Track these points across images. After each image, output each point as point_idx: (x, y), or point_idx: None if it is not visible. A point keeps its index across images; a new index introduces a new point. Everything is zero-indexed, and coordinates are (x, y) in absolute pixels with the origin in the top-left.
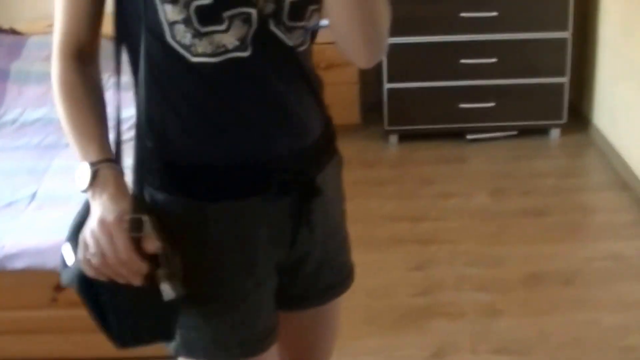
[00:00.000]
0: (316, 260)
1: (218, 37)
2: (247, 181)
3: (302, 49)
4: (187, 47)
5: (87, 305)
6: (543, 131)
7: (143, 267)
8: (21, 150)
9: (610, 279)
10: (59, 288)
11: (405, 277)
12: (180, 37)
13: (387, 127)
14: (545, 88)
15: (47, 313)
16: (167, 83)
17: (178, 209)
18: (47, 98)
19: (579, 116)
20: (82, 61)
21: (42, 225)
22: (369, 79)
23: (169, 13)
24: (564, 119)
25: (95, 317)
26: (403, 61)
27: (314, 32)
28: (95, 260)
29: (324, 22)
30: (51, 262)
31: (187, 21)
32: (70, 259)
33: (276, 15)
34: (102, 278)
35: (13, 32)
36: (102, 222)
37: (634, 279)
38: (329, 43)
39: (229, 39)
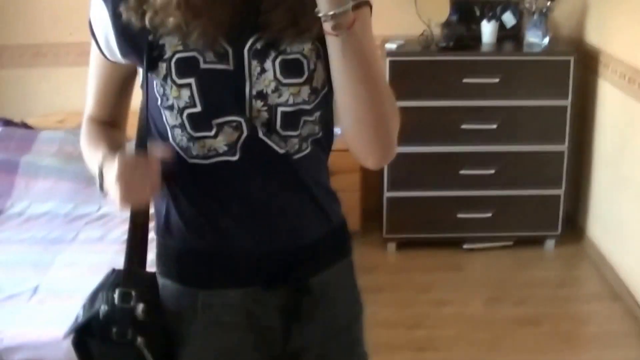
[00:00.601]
0: (318, 352)
1: (209, 142)
2: (233, 272)
3: (298, 156)
4: (184, 150)
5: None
6: (539, 241)
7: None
8: (26, 243)
9: None
10: None
11: None
12: (179, 140)
13: (385, 235)
14: (542, 199)
15: None
16: (172, 181)
17: (174, 293)
18: (55, 192)
19: (574, 227)
20: (108, 125)
21: (43, 319)
22: (370, 186)
23: (168, 118)
24: (559, 230)
25: None
26: (404, 170)
27: (327, 143)
28: (124, 193)
29: (337, 130)
30: (50, 356)
31: (182, 126)
32: (77, 317)
33: (269, 124)
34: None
35: (25, 125)
36: (118, 177)
37: None
38: (332, 150)
39: (218, 144)
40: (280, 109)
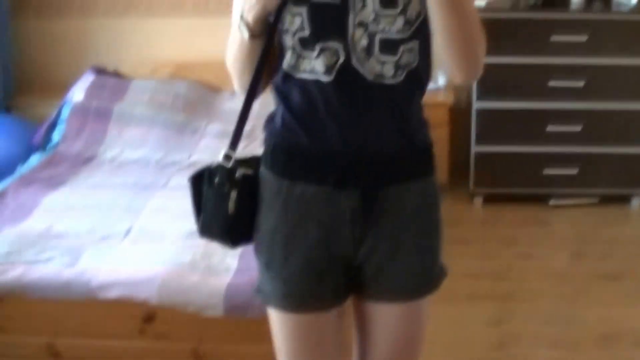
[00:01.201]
0: (384, 260)
1: (312, 62)
2: (313, 169)
3: (391, 82)
4: (293, 67)
5: (192, 200)
6: (625, 199)
7: None
8: (118, 188)
9: None
10: (147, 319)
11: (482, 332)
12: (290, 58)
13: (472, 189)
14: (628, 157)
15: (135, 343)
16: (280, 90)
17: (269, 178)
18: (146, 140)
19: None
20: None
21: (136, 259)
22: (458, 140)
23: (285, 40)
24: None
25: (194, 209)
26: (491, 125)
27: (424, 75)
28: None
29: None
30: (142, 294)
31: (293, 47)
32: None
33: (369, 49)
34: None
35: (117, 74)
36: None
37: None
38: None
39: (319, 65)
40: (378, 36)
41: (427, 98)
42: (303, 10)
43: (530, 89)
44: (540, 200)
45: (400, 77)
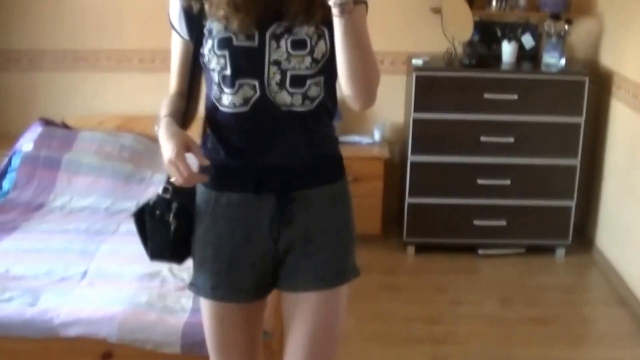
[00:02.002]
0: (299, 253)
1: (231, 97)
2: (236, 180)
3: (302, 109)
4: (217, 100)
5: (138, 232)
6: (550, 250)
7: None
8: (71, 234)
9: None
10: (107, 356)
11: None
12: (214, 92)
13: (405, 239)
14: (554, 210)
15: None
16: (209, 116)
17: (201, 192)
18: (95, 188)
19: (583, 237)
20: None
21: (94, 298)
22: (392, 193)
23: (211, 78)
24: (570, 240)
25: (141, 239)
26: (425, 177)
27: (331, 105)
28: (175, 173)
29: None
30: (102, 332)
31: (217, 84)
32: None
33: (281, 83)
34: (181, 180)
35: (65, 126)
36: (169, 161)
37: None
38: (356, 158)
39: (237, 99)
40: (289, 73)
41: (363, 152)
42: (226, 52)
43: (462, 144)
44: (470, 249)
45: (310, 106)
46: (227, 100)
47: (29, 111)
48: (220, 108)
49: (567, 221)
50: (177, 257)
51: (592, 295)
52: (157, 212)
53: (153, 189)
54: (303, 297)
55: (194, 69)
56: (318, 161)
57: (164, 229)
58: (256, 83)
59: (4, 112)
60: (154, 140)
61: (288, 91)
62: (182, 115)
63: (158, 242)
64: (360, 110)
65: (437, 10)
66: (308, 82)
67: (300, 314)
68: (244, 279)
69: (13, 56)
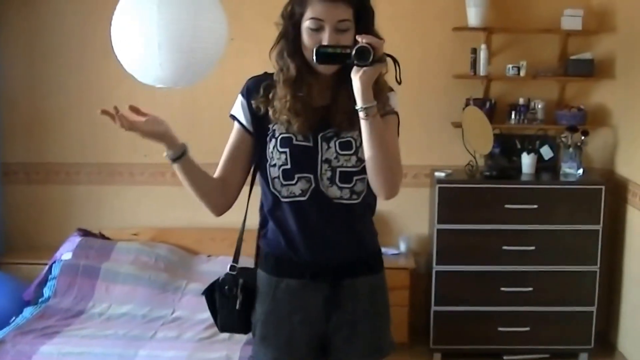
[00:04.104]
0: (347, 332)
1: (291, 188)
2: (295, 269)
3: (349, 202)
4: (278, 192)
5: (209, 307)
6: (573, 355)
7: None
8: (110, 339)
9: None
10: None
11: None
12: (276, 185)
13: (432, 346)
14: (576, 316)
15: None
16: (269, 210)
17: (262, 278)
18: (132, 296)
19: (606, 342)
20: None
21: None
22: (418, 302)
23: (271, 172)
24: (592, 345)
25: (211, 314)
26: (450, 286)
27: (373, 198)
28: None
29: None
30: None
31: (278, 177)
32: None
33: (332, 179)
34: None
35: (102, 236)
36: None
37: None
38: (387, 268)
39: (296, 190)
40: (338, 169)
41: (389, 263)
42: (287, 150)
43: (485, 254)
44: (495, 356)
45: (356, 200)
46: (287, 191)
47: (67, 222)
48: (283, 200)
49: (589, 326)
50: (243, 327)
51: None
52: (226, 287)
53: (188, 298)
54: None
55: (250, 161)
56: (363, 254)
57: (232, 303)
58: (311, 177)
59: (44, 223)
60: (189, 251)
61: (338, 186)
62: (208, 185)
63: (226, 314)
64: (383, 200)
65: (458, 125)
66: (354, 178)
67: None
68: (300, 352)
69: (52, 169)
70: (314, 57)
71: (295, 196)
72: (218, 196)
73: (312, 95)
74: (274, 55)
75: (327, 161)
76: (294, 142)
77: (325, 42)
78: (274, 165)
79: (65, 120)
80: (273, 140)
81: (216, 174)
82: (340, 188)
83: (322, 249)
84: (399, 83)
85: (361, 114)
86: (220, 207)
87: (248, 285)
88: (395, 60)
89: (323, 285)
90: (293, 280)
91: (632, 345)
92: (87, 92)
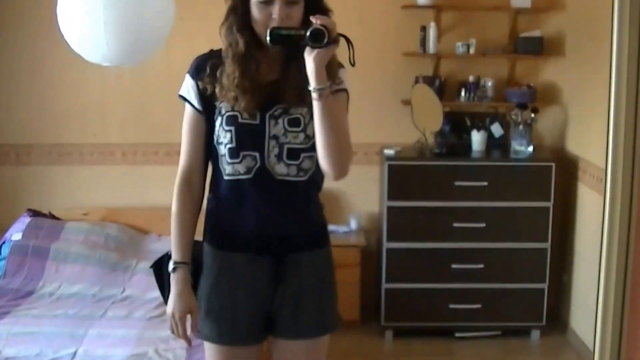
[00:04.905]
0: (292, 307)
1: (236, 166)
2: (240, 243)
3: (296, 179)
4: (223, 169)
5: (156, 281)
6: (525, 332)
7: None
8: (60, 319)
9: None
10: None
11: None
12: (222, 163)
13: (383, 324)
14: (527, 293)
15: None
16: (214, 186)
17: (208, 249)
18: (83, 276)
19: (557, 319)
20: (189, 187)
21: None
22: (369, 279)
23: (219, 150)
24: (544, 322)
25: (159, 288)
26: (400, 264)
27: (319, 176)
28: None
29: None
30: None
31: (224, 155)
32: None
33: (279, 155)
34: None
35: (52, 217)
36: (173, 315)
37: None
38: (333, 247)
39: (241, 168)
40: (286, 146)
41: (339, 241)
42: (232, 128)
43: (435, 231)
44: (447, 333)
45: (302, 177)
46: (232, 169)
47: (17, 203)
48: (225, 177)
49: (541, 303)
50: None
51: None
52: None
53: (138, 277)
54: (293, 344)
55: (207, 142)
56: (309, 228)
57: None
58: (257, 155)
59: None
60: (139, 230)
61: (285, 163)
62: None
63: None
64: (333, 180)
65: (407, 102)
66: (302, 155)
67: (291, 357)
68: (245, 327)
69: (2, 150)
70: (268, 39)
71: (240, 174)
72: (199, 206)
73: (261, 71)
74: (223, 31)
75: (275, 137)
76: (239, 120)
77: (275, 15)
78: (221, 143)
79: (14, 101)
80: (219, 118)
81: (181, 164)
82: (287, 165)
83: (266, 224)
84: (353, 65)
85: (314, 95)
86: (201, 203)
87: (195, 259)
88: (348, 41)
89: (268, 259)
90: (238, 254)
91: (583, 322)
92: (36, 73)
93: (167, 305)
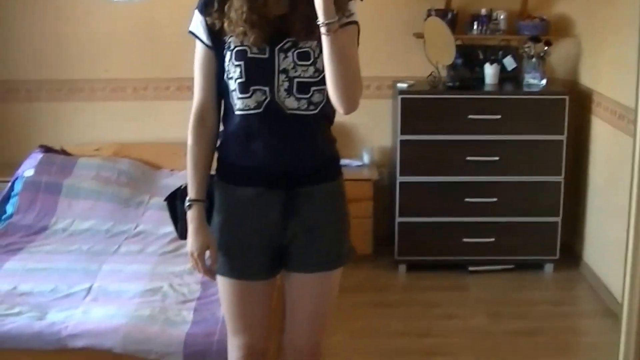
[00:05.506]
0: (304, 240)
1: (246, 101)
2: (251, 177)
3: (306, 113)
4: (234, 105)
5: (170, 214)
6: (538, 266)
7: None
8: (73, 254)
9: None
10: None
11: None
12: (232, 98)
13: (397, 257)
14: (540, 226)
15: None
16: (226, 121)
17: (220, 184)
18: (95, 212)
19: (571, 252)
20: (203, 123)
21: (99, 313)
22: (382, 213)
23: (229, 85)
24: (557, 255)
25: (172, 221)
26: (414, 198)
27: (331, 110)
28: (193, 265)
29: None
30: (107, 343)
31: (234, 90)
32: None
33: (289, 90)
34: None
35: (64, 152)
36: (192, 254)
37: None
38: (346, 180)
39: (252, 102)
40: (296, 80)
41: (352, 174)
42: (241, 63)
43: (449, 164)
44: (460, 266)
45: (313, 111)
46: (242, 104)
47: (29, 139)
48: (236, 112)
49: (554, 237)
50: None
51: (580, 308)
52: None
53: (151, 212)
54: (306, 277)
55: (219, 78)
56: (320, 161)
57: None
58: (267, 89)
59: (4, 140)
60: (151, 165)
61: (295, 97)
62: (210, 155)
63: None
64: (343, 114)
65: (420, 36)
66: (312, 89)
67: (302, 292)
68: (258, 261)
69: (12, 87)
70: None
71: (250, 109)
72: (214, 143)
73: (269, 4)
74: None
75: (285, 71)
76: (249, 54)
77: None
78: (231, 78)
79: (25, 37)
80: (229, 53)
81: (195, 101)
82: (298, 99)
83: (276, 158)
84: None
85: (322, 30)
86: (216, 140)
87: (209, 193)
88: None
89: (279, 193)
90: (249, 188)
91: (596, 255)
92: (47, 8)
93: (187, 244)
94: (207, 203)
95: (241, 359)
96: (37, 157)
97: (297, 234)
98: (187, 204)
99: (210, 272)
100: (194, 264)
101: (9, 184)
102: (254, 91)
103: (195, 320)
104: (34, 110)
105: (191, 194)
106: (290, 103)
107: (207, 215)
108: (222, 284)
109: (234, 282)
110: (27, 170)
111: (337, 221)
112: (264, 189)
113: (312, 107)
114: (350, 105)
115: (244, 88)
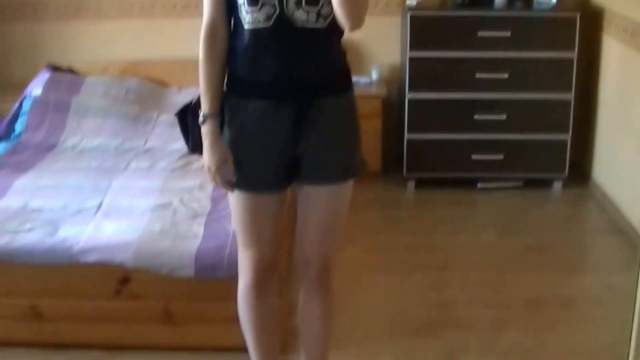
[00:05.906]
0: (316, 153)
1: (256, 14)
2: (262, 90)
3: (316, 26)
4: (243, 19)
5: (180, 128)
6: (547, 183)
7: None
8: (83, 171)
9: (603, 303)
10: (123, 281)
11: (423, 296)
12: (241, 12)
13: (406, 174)
14: (550, 144)
15: (112, 303)
16: (236, 36)
17: (231, 98)
18: (104, 129)
19: (580, 170)
20: (214, 38)
21: (110, 228)
22: (391, 130)
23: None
24: (566, 173)
25: (183, 135)
26: (423, 115)
27: (336, 26)
28: (211, 180)
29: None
30: (119, 258)
31: (244, 4)
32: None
33: (298, 1)
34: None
35: (71, 71)
36: (209, 169)
37: (624, 303)
38: (359, 97)
39: (261, 16)
40: None
41: (361, 92)
42: None
43: (458, 81)
44: (468, 183)
45: (322, 24)
46: (251, 18)
47: (36, 59)
48: (246, 27)
49: (564, 154)
50: None
51: (588, 224)
52: (199, 109)
53: (160, 129)
54: (318, 189)
55: None
56: (331, 72)
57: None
58: (276, 2)
59: (12, 60)
60: (159, 83)
61: (304, 9)
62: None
63: (198, 135)
64: (349, 31)
65: None
66: (321, 1)
67: (315, 203)
68: (269, 173)
69: (19, 6)
70: None
71: (260, 23)
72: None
73: None
74: None
75: None
76: None
77: None
78: None
79: None
80: None
81: (205, 17)
82: (307, 11)
83: (286, 71)
84: None
85: None
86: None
87: (221, 108)
88: None
89: (290, 106)
90: (260, 101)
91: (605, 173)
92: None
93: (203, 159)
94: (221, 118)
95: (251, 272)
96: (44, 76)
97: (309, 146)
98: (201, 119)
99: (230, 184)
100: (212, 178)
101: (17, 103)
102: (263, 4)
103: (205, 234)
104: (41, 30)
105: (205, 108)
106: (300, 15)
107: (221, 129)
108: (234, 198)
109: (246, 196)
110: (35, 89)
111: (349, 133)
112: (276, 102)
113: (321, 20)
114: (356, 22)
115: (253, 1)
